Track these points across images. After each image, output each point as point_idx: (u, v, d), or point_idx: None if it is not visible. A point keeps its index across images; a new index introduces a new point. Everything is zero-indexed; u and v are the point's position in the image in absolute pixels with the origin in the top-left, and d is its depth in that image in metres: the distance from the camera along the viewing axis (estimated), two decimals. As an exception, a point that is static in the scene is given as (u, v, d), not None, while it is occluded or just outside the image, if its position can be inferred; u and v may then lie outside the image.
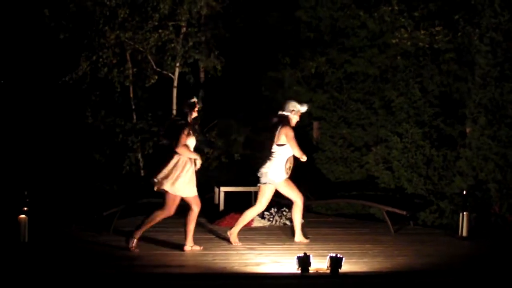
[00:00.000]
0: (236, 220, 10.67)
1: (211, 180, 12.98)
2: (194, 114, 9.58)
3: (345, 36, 13.95)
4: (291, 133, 10.01)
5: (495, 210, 11.28)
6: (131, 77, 13.82)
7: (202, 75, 14.23)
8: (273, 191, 10.06)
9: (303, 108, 10.21)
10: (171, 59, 13.80)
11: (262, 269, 8.70)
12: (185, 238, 9.69)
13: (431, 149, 12.25)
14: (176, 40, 13.72)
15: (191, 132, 9.50)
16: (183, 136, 9.39)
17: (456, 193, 11.64)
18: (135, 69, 13.71)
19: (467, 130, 11.87)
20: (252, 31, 14.20)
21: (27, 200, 9.83)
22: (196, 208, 9.59)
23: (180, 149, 9.39)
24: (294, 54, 14.32)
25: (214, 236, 10.49)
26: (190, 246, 9.70)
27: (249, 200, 12.03)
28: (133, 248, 9.50)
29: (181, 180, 9.45)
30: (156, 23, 13.41)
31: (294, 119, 10.16)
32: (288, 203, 10.68)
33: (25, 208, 9.63)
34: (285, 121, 10.08)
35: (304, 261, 8.37)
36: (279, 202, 11.41)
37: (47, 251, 9.47)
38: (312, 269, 8.39)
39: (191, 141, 9.53)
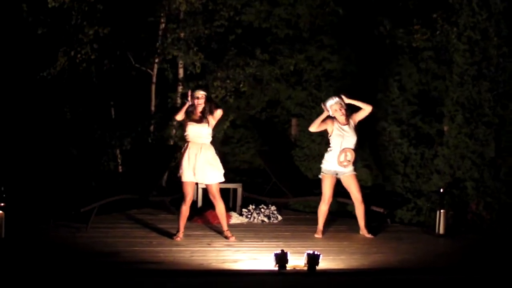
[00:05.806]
0: (215, 216, 10.68)
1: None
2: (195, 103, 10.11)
3: (323, 34, 13.97)
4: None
5: (472, 208, 11.35)
6: (109, 73, 13.77)
7: (180, 71, 14.16)
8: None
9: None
10: (150, 55, 13.77)
11: (240, 266, 8.71)
12: None
13: (409, 147, 12.29)
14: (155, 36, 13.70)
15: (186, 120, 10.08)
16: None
17: (433, 191, 11.68)
18: (113, 65, 13.65)
19: (445, 128, 11.93)
20: (231, 28, 14.16)
21: (4, 195, 9.78)
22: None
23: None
24: (273, 51, 14.33)
25: (192, 233, 10.47)
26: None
27: (228, 196, 12.04)
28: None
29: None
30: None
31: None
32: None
33: (2, 204, 9.57)
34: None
35: (281, 258, 8.39)
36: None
37: (24, 247, 9.41)
38: (289, 266, 8.41)
39: (191, 128, 10.07)
